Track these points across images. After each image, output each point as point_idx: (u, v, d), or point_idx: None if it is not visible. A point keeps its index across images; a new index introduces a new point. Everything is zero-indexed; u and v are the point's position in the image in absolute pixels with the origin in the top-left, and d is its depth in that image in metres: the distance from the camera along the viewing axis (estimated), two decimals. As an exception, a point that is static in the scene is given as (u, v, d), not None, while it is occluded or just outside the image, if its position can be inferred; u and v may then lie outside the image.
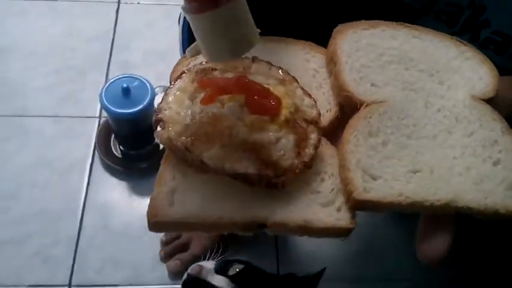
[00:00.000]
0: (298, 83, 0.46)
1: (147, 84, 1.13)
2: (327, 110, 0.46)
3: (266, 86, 0.43)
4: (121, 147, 1.24)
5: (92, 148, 1.26)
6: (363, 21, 0.50)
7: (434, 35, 0.50)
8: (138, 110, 1.09)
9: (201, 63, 0.47)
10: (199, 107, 0.42)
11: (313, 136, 0.43)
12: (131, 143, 1.22)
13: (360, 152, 0.42)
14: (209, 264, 0.74)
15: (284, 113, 0.42)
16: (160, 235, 1.14)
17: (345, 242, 1.12)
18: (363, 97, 0.45)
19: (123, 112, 1.09)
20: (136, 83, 1.13)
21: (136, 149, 1.23)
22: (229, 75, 0.44)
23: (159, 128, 0.42)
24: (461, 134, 0.44)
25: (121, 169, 1.24)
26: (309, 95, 0.45)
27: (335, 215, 0.40)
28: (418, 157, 0.42)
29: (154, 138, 1.21)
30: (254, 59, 0.47)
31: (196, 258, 1.08)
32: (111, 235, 1.15)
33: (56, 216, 1.15)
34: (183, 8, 0.40)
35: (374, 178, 0.40)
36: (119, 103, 1.10)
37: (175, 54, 1.45)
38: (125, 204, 1.20)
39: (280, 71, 0.46)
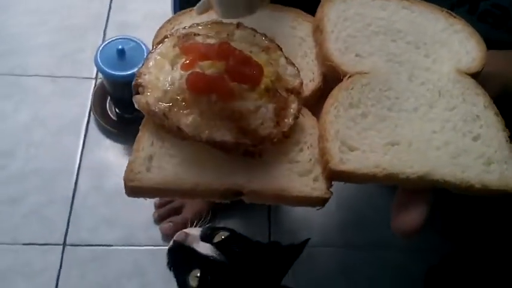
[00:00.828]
0: (282, 51, 0.45)
1: (143, 46, 1.12)
2: (310, 79, 0.45)
3: (248, 53, 0.43)
4: (117, 109, 1.24)
5: (88, 109, 1.26)
6: None
7: (425, 7, 0.49)
8: (133, 72, 1.08)
9: (184, 28, 0.46)
10: (179, 73, 0.42)
11: (294, 106, 0.42)
12: (126, 105, 1.21)
13: (339, 122, 0.41)
14: (195, 231, 0.75)
15: (265, 81, 0.42)
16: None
17: (338, 212, 1.13)
18: (347, 68, 0.44)
19: (118, 74, 1.09)
20: (132, 45, 1.12)
21: (132, 112, 1.22)
22: (212, 41, 0.44)
23: (138, 93, 0.42)
24: (443, 108, 0.43)
25: (116, 131, 1.24)
26: (293, 64, 0.45)
27: (311, 185, 0.40)
28: (397, 130, 0.42)
29: None
30: (238, 25, 0.46)
31: (188, 222, 1.10)
32: (106, 196, 1.15)
33: (51, 176, 1.16)
34: None
35: (351, 149, 0.40)
36: (114, 65, 1.09)
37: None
38: (119, 166, 1.17)
39: (264, 38, 0.46)
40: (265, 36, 0.46)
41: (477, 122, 0.43)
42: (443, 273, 0.95)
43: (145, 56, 1.03)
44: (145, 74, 0.43)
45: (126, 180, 0.40)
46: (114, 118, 1.25)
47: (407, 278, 1.06)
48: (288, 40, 0.48)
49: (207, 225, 0.79)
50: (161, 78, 0.42)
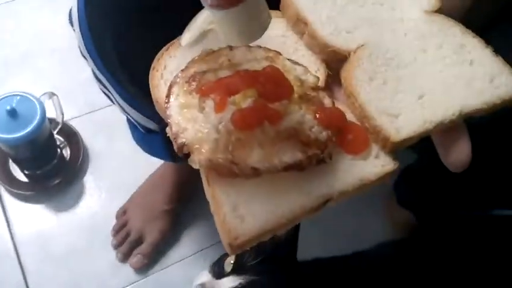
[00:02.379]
0: (281, 54, 0.44)
1: (30, 97, 1.00)
2: (315, 70, 0.45)
3: (273, 69, 0.40)
4: (25, 170, 1.11)
5: (-10, 182, 1.11)
6: None
7: None
8: (33, 128, 0.97)
9: (182, 70, 0.42)
10: (216, 117, 0.38)
11: (327, 101, 0.42)
12: (34, 163, 1.10)
13: (372, 98, 0.41)
14: (205, 277, 0.70)
15: (295, 90, 0.40)
16: (108, 239, 1.07)
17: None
18: (346, 47, 0.44)
19: (17, 136, 0.96)
20: (18, 99, 0.99)
21: (42, 168, 1.11)
22: (223, 73, 0.41)
23: (185, 154, 0.38)
24: (434, 48, 0.45)
25: (34, 193, 1.11)
26: (297, 63, 0.43)
27: (379, 163, 0.40)
28: (416, 83, 0.43)
29: (57, 152, 1.12)
30: (231, 47, 0.43)
31: (157, 246, 1.04)
32: (58, 261, 1.06)
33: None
34: (211, 6, 0.37)
35: (396, 116, 0.41)
36: (7, 127, 0.96)
37: (36, 53, 1.30)
38: (56, 227, 1.10)
39: (261, 49, 0.43)
40: (259, 46, 0.44)
41: (465, 49, 0.45)
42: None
43: (38, 108, 0.96)
44: (181, 132, 0.38)
45: (230, 241, 0.36)
46: (24, 180, 1.12)
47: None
48: (271, 41, 0.46)
49: (210, 264, 0.74)
50: (201, 129, 0.38)
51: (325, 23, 0.45)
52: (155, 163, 1.14)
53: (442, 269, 0.84)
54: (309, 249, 0.82)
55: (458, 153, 0.41)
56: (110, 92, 0.70)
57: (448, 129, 0.42)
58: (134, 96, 0.67)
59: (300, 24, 0.46)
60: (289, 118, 0.39)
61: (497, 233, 0.81)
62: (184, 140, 0.38)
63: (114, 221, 1.09)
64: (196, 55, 0.44)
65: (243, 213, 0.37)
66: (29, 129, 0.96)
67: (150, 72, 0.44)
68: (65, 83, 1.28)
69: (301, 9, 0.45)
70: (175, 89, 0.41)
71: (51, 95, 1.05)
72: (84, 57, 0.69)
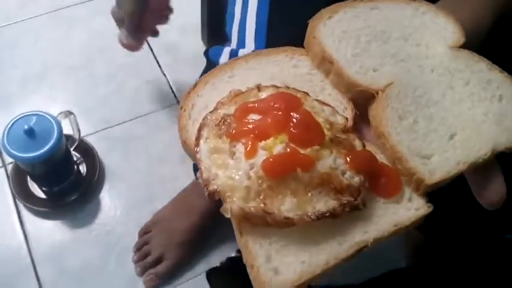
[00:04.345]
0: (310, 95, 0.41)
1: (47, 116, 0.96)
2: (343, 110, 0.42)
3: (303, 111, 0.37)
4: (43, 187, 1.08)
5: (12, 200, 1.08)
6: (323, 11, 0.45)
7: (389, 0, 0.47)
8: (50, 147, 0.93)
9: (211, 112, 0.39)
10: (247, 163, 0.35)
11: (357, 143, 0.39)
12: (51, 179, 1.06)
13: (404, 139, 0.38)
14: None
15: (325, 133, 0.37)
16: (127, 256, 1.03)
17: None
18: (374, 86, 0.41)
19: (34, 155, 0.93)
20: (35, 119, 0.95)
21: (59, 184, 1.07)
22: (255, 116, 0.38)
23: (217, 201, 0.35)
24: (461, 85, 0.42)
25: (51, 209, 1.08)
26: (325, 104, 0.40)
27: (412, 206, 0.37)
28: (445, 121, 0.40)
29: (73, 168, 1.09)
30: (259, 87, 0.40)
31: (172, 270, 1.01)
32: (75, 276, 1.02)
33: (10, 283, 1.00)
34: None
35: (428, 158, 0.38)
36: (25, 146, 0.93)
37: (53, 71, 1.28)
38: (73, 242, 1.06)
39: (289, 89, 0.40)
40: (288, 87, 0.41)
41: (492, 85, 0.42)
42: None
43: (55, 126, 0.94)
44: (213, 179, 0.35)
45: None
46: (43, 196, 1.08)
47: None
48: (297, 81, 0.43)
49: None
50: (232, 175, 0.35)
51: (351, 61, 0.42)
52: (172, 180, 1.12)
53: None
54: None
55: (492, 192, 0.38)
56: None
57: (481, 167, 0.39)
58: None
59: (325, 63, 0.43)
60: (321, 164, 0.36)
61: (507, 257, 0.78)
62: (215, 186, 0.35)
63: (129, 238, 1.06)
64: (223, 94, 0.41)
65: (276, 265, 0.34)
66: (46, 148, 0.93)
67: (178, 111, 0.42)
68: (82, 100, 1.25)
69: (326, 48, 0.42)
70: (204, 132, 0.38)
71: (68, 114, 1.03)
72: None
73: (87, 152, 1.14)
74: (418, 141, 0.39)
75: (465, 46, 0.45)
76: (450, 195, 0.50)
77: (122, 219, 1.09)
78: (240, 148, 0.36)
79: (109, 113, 1.23)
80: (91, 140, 1.16)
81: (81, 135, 1.09)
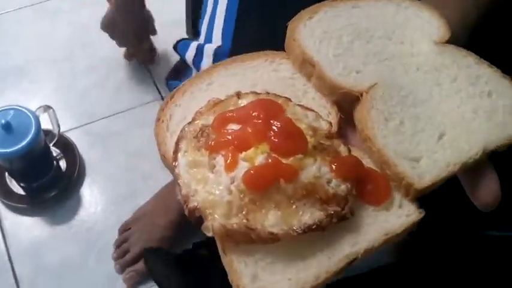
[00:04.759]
0: (291, 101, 0.39)
1: (25, 110, 0.95)
2: (327, 114, 0.40)
3: (285, 118, 0.35)
4: (21, 183, 1.06)
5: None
6: (303, 12, 0.43)
7: None
8: (28, 142, 0.92)
9: (189, 123, 0.37)
10: (227, 177, 0.33)
11: (342, 149, 0.37)
12: (30, 176, 1.04)
13: (390, 142, 0.36)
14: None
15: (308, 140, 0.35)
16: (107, 253, 1.02)
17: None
18: (357, 87, 0.39)
19: (12, 150, 0.91)
20: (12, 113, 0.94)
21: (38, 180, 1.05)
22: (233, 126, 0.36)
23: (197, 219, 0.33)
24: (449, 82, 0.40)
25: (30, 206, 1.06)
26: (308, 109, 0.38)
27: (403, 213, 0.35)
28: (434, 121, 0.38)
29: (53, 164, 1.07)
30: (239, 95, 0.38)
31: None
32: (53, 274, 1.00)
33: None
34: None
35: (417, 160, 0.36)
36: (2, 141, 0.91)
37: (35, 64, 1.27)
38: (52, 239, 1.04)
39: (269, 95, 0.38)
40: (268, 93, 0.39)
41: (481, 80, 0.40)
42: None
43: (33, 120, 0.92)
44: (193, 195, 0.33)
45: None
46: (21, 193, 1.06)
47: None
48: (279, 85, 0.41)
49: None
50: (213, 190, 0.33)
51: (333, 62, 0.40)
52: (153, 176, 1.10)
53: None
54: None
55: (486, 193, 0.36)
56: None
57: (473, 167, 0.37)
58: None
59: (306, 66, 0.41)
60: (305, 173, 0.34)
61: (490, 255, 0.77)
62: (195, 203, 0.33)
63: (109, 234, 1.04)
64: (202, 103, 0.39)
65: (263, 284, 0.32)
66: (23, 143, 0.92)
67: (155, 124, 0.39)
68: (62, 94, 1.23)
69: (307, 50, 0.40)
70: (183, 145, 0.36)
71: (47, 108, 1.01)
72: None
73: (67, 147, 1.12)
74: (405, 144, 0.37)
75: (451, 42, 0.43)
76: (434, 192, 0.48)
77: (102, 215, 1.08)
78: (220, 160, 0.34)
79: (90, 107, 1.22)
80: (71, 135, 1.14)
81: (61, 130, 1.07)
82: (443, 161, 0.36)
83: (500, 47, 0.51)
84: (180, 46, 0.69)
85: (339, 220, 0.33)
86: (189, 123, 0.37)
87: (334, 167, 0.35)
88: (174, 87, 0.58)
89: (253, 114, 0.35)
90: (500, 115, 0.39)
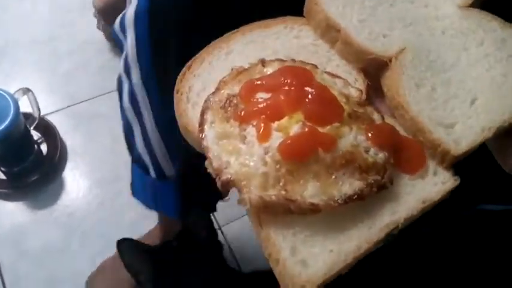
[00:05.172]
0: (318, 68, 0.37)
1: (3, 93, 0.92)
2: (353, 81, 0.38)
3: (317, 84, 0.33)
4: (1, 168, 1.03)
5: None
6: None
7: None
8: (6, 126, 0.89)
9: (213, 93, 0.35)
10: (261, 147, 0.31)
11: (376, 116, 0.35)
12: (10, 160, 1.01)
13: (424, 108, 0.35)
14: None
15: (344, 108, 0.34)
16: (89, 237, 0.99)
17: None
18: (385, 52, 0.37)
19: None
20: None
21: (19, 164, 1.02)
22: (262, 94, 0.33)
23: (235, 192, 0.31)
24: (475, 46, 0.39)
25: (11, 191, 1.03)
26: (335, 76, 0.37)
27: (439, 180, 0.34)
28: (465, 86, 0.37)
29: (34, 148, 1.03)
30: (264, 62, 0.36)
31: None
32: (35, 259, 0.98)
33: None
34: None
35: (451, 127, 0.35)
36: None
37: (16, 45, 1.22)
38: (34, 223, 1.01)
39: (296, 62, 0.36)
40: (294, 60, 0.37)
41: (507, 44, 0.39)
42: None
43: (11, 103, 0.88)
44: (225, 167, 0.31)
45: None
46: (2, 177, 1.03)
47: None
48: (301, 53, 0.39)
49: None
50: (246, 162, 0.31)
51: (358, 27, 0.38)
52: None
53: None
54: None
55: None
56: (142, 117, 0.61)
57: (504, 132, 0.36)
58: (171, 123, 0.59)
59: (330, 32, 0.39)
60: (342, 142, 0.32)
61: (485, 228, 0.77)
62: (229, 175, 0.31)
63: (91, 219, 1.02)
64: (223, 73, 0.36)
65: (304, 256, 0.30)
66: (2, 127, 0.89)
67: (174, 96, 0.37)
68: (43, 76, 1.19)
69: (330, 15, 0.38)
70: (209, 116, 0.34)
71: (26, 91, 0.98)
72: (127, 69, 0.59)
73: (48, 130, 1.09)
74: (439, 110, 0.35)
75: (474, 5, 0.41)
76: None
77: (85, 200, 1.05)
78: (251, 131, 0.32)
79: (72, 90, 1.18)
80: (53, 119, 1.11)
81: (42, 113, 1.04)
82: (478, 126, 0.35)
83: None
84: (112, 34, 0.64)
85: (379, 189, 0.32)
86: (213, 93, 0.35)
87: (370, 135, 0.33)
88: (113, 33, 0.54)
89: (284, 81, 0.33)
90: None
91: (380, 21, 0.39)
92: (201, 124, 0.33)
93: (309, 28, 0.40)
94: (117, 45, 0.62)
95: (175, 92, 0.37)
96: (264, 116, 0.32)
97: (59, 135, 1.08)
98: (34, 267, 0.96)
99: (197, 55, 0.38)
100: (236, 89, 0.34)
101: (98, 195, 1.05)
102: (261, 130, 0.32)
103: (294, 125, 0.32)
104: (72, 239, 1.00)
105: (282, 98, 0.32)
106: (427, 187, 0.34)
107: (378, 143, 0.33)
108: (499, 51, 0.39)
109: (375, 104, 0.38)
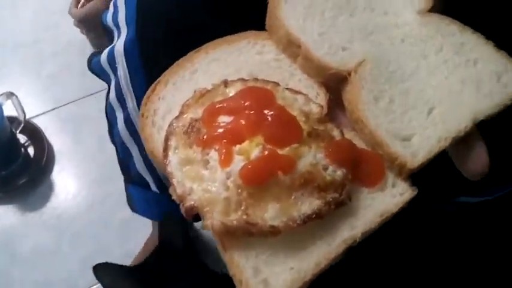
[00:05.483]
0: (280, 85, 0.37)
1: None
2: (315, 96, 0.39)
3: (278, 107, 0.34)
4: None
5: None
6: None
7: None
8: None
9: (176, 118, 0.36)
10: (223, 172, 0.33)
11: (336, 132, 0.36)
12: None
13: (382, 122, 0.36)
14: None
15: (302, 127, 0.35)
16: (79, 239, 1.01)
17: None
18: (346, 66, 0.38)
19: None
20: None
21: (6, 168, 1.03)
22: (225, 119, 0.34)
23: (194, 218, 0.32)
24: (434, 52, 0.40)
25: (0, 194, 1.05)
26: (296, 92, 0.37)
27: (397, 192, 0.35)
28: (423, 95, 0.38)
29: (20, 151, 1.04)
30: (226, 83, 0.37)
31: None
32: (26, 262, 1.00)
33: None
34: None
35: (409, 139, 0.36)
36: None
37: None
38: (24, 226, 1.03)
39: (257, 82, 0.37)
40: (256, 79, 0.37)
41: (465, 48, 0.40)
42: None
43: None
44: (189, 194, 0.32)
45: None
46: None
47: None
48: (264, 69, 0.39)
49: None
50: (209, 188, 0.32)
51: (318, 41, 0.39)
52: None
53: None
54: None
55: (475, 163, 0.36)
56: (139, 136, 0.62)
57: (462, 138, 0.37)
58: None
59: (292, 47, 0.39)
60: (302, 162, 0.33)
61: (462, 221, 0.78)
62: (192, 202, 0.32)
63: (81, 220, 1.03)
64: (187, 94, 0.37)
65: (265, 276, 0.32)
66: None
67: (139, 119, 0.38)
68: (28, 79, 1.19)
69: (291, 30, 0.39)
70: (172, 142, 0.35)
71: (10, 95, 0.98)
72: (121, 99, 0.60)
73: (35, 133, 1.10)
74: (396, 122, 0.36)
75: (435, 10, 0.42)
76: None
77: (73, 201, 1.07)
78: (213, 156, 0.33)
79: (57, 92, 1.18)
80: (39, 121, 1.11)
81: (28, 116, 1.05)
82: (435, 137, 0.36)
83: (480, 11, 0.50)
84: (93, 65, 0.64)
85: (337, 206, 0.33)
86: (177, 117, 0.36)
87: (329, 152, 0.34)
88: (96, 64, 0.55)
89: (244, 104, 0.34)
90: (487, 84, 0.38)
91: (340, 32, 0.40)
92: (165, 150, 0.34)
93: (271, 43, 0.41)
94: (99, 77, 0.62)
95: (140, 115, 0.38)
96: (225, 141, 0.33)
97: (45, 137, 1.09)
98: (25, 270, 0.98)
99: (161, 76, 0.39)
100: (199, 112, 0.35)
101: (87, 197, 1.06)
102: (223, 155, 0.33)
103: (254, 149, 0.33)
104: (62, 241, 1.02)
105: (243, 121, 0.33)
106: (385, 199, 0.35)
107: (336, 160, 0.34)
108: (458, 55, 0.40)
109: (338, 117, 0.39)
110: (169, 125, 0.35)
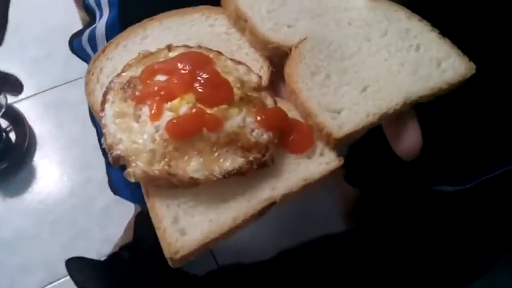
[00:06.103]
0: (223, 55, 0.39)
1: None
2: (259, 68, 0.40)
3: (212, 70, 0.36)
4: None
5: None
6: None
7: None
8: None
9: (118, 75, 0.37)
10: (152, 126, 0.34)
11: (269, 101, 0.37)
12: None
13: (314, 95, 0.37)
14: None
15: (235, 92, 0.36)
16: (61, 224, 1.03)
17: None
18: (287, 42, 0.39)
19: None
20: None
21: None
22: (160, 77, 0.36)
23: (121, 167, 0.34)
24: (378, 36, 0.41)
25: None
26: (239, 62, 0.39)
27: (323, 160, 0.37)
28: (359, 74, 0.39)
29: (2, 135, 1.04)
30: (170, 48, 0.39)
31: None
32: (7, 247, 1.01)
33: None
34: None
35: (338, 112, 0.37)
36: None
37: None
38: (5, 211, 1.04)
39: (201, 49, 0.39)
40: (200, 46, 0.39)
41: (410, 34, 0.41)
42: None
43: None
44: (117, 144, 0.34)
45: (171, 255, 0.32)
46: None
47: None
48: (214, 40, 0.41)
49: None
50: (137, 139, 0.34)
51: (265, 18, 0.40)
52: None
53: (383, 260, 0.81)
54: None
55: (407, 143, 0.37)
56: None
57: (396, 118, 0.38)
58: None
59: (240, 21, 0.41)
60: (229, 123, 0.34)
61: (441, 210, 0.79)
62: (119, 152, 0.34)
63: (62, 206, 1.04)
64: (134, 57, 0.39)
65: (183, 225, 0.33)
66: None
67: (85, 75, 0.40)
68: (11, 64, 1.20)
69: (241, 5, 0.41)
70: (110, 96, 0.36)
71: None
72: None
73: (17, 118, 1.10)
74: (329, 96, 0.38)
75: None
76: (382, 149, 0.49)
77: (55, 187, 1.07)
78: (145, 111, 0.35)
79: (41, 77, 1.18)
80: (21, 106, 1.12)
81: (10, 101, 1.05)
82: (363, 112, 0.37)
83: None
84: (75, 46, 0.66)
85: (260, 167, 0.34)
86: (118, 75, 0.37)
87: (258, 117, 0.36)
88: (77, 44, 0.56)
89: (180, 65, 0.36)
90: (426, 68, 0.40)
91: (289, 11, 0.41)
92: (103, 103, 0.36)
93: (224, 17, 0.42)
94: (80, 57, 0.64)
95: (86, 72, 0.39)
96: (158, 97, 0.35)
97: (27, 123, 1.10)
98: (7, 255, 1.00)
99: (113, 39, 0.41)
100: (139, 71, 0.37)
101: (68, 182, 1.07)
102: (153, 110, 0.34)
103: (184, 106, 0.34)
104: (43, 227, 1.03)
105: (176, 80, 0.35)
106: (311, 166, 0.36)
107: (265, 125, 0.35)
108: (402, 40, 0.41)
109: (280, 90, 0.40)
110: (110, 82, 0.37)
